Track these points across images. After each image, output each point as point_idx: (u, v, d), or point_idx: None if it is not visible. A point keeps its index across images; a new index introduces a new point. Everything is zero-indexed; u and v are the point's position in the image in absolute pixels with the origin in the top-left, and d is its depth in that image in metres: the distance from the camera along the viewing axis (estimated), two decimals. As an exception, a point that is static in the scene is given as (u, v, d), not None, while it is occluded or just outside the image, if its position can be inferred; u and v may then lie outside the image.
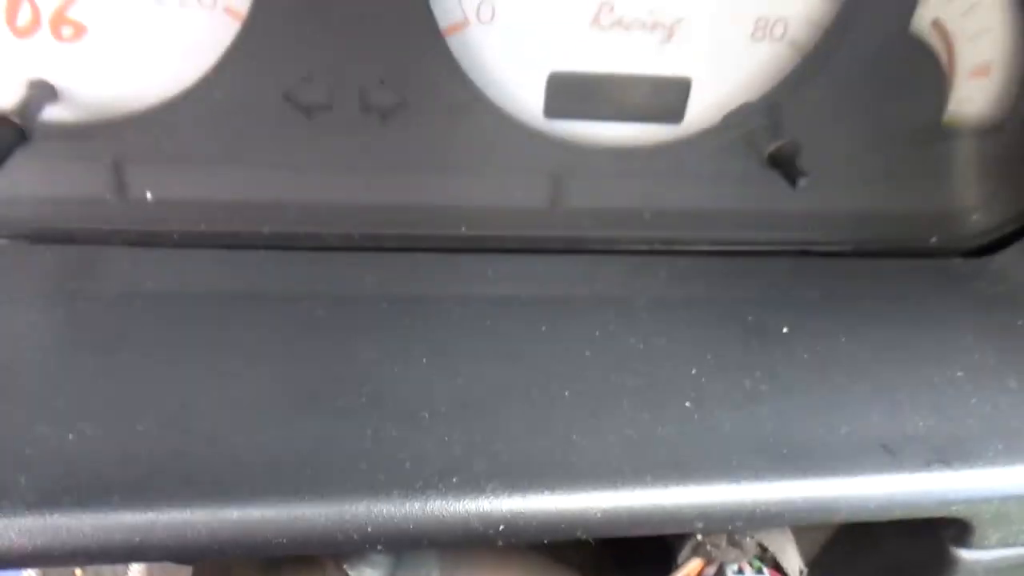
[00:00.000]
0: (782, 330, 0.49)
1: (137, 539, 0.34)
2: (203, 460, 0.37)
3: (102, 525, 0.34)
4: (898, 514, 0.41)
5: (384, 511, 0.37)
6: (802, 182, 0.51)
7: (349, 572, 0.43)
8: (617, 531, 0.39)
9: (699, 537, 0.44)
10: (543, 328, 0.48)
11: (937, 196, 0.60)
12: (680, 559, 0.44)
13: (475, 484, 0.38)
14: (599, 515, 0.39)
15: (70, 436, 0.37)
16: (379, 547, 0.37)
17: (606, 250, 0.56)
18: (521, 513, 0.38)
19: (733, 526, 0.40)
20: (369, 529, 0.36)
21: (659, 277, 0.54)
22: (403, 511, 0.37)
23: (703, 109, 0.55)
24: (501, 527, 0.38)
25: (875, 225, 0.60)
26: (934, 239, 0.60)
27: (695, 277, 0.55)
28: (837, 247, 0.59)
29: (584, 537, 0.39)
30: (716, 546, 0.43)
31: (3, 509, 0.34)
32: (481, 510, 0.37)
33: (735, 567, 0.42)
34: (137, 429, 0.38)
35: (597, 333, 0.48)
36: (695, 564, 0.44)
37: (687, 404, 0.44)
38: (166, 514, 0.35)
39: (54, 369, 0.41)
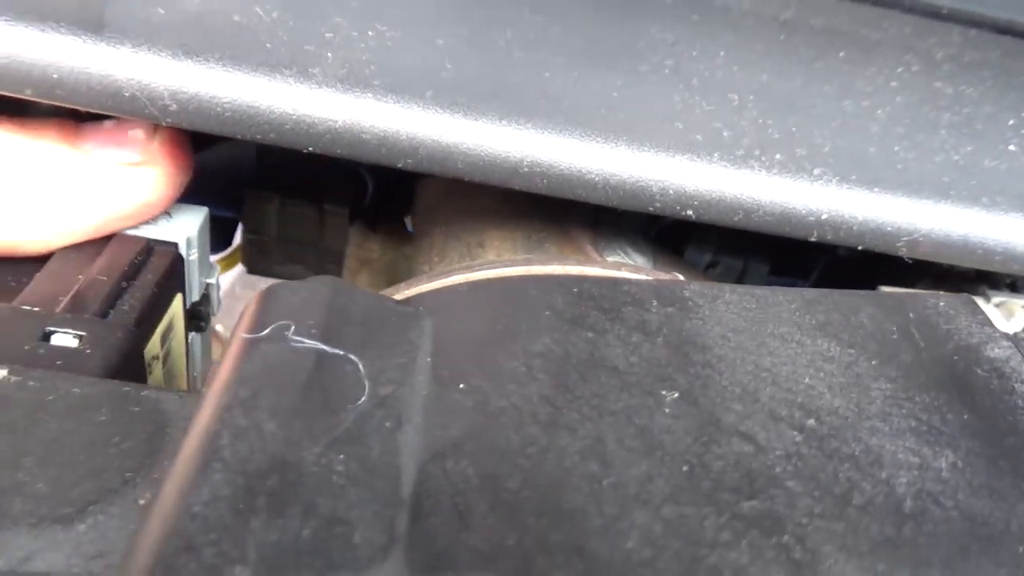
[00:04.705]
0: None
1: (447, 141, 0.31)
2: (510, 85, 0.33)
3: (415, 117, 0.31)
4: None
5: (703, 171, 0.33)
6: None
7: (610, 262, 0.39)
8: (943, 255, 0.35)
9: (997, 301, 0.40)
10: (840, 54, 0.43)
11: None
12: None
13: (800, 165, 0.34)
14: (928, 231, 0.34)
15: (370, 33, 0.33)
16: (688, 213, 0.33)
17: (888, 3, 0.50)
18: (845, 208, 0.34)
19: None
20: (687, 189, 0.33)
21: (952, 39, 0.48)
22: (723, 175, 0.33)
23: None
24: (824, 216, 0.34)
25: None
26: None
27: (992, 47, 0.49)
28: None
29: (905, 255, 0.35)
30: None
31: (315, 77, 0.30)
32: (806, 193, 0.33)
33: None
34: (437, 43, 0.34)
35: (899, 70, 0.43)
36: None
37: (1012, 148, 0.39)
38: (480, 123, 0.31)
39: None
